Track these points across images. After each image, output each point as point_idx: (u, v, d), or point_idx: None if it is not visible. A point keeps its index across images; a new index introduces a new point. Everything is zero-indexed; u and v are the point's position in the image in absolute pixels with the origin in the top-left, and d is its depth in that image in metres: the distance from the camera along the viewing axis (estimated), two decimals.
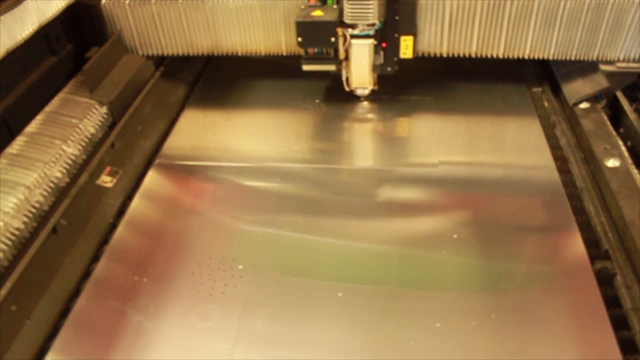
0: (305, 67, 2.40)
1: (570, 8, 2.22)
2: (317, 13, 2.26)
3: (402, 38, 2.34)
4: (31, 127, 2.09)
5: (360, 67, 2.40)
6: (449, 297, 1.70)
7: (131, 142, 2.30)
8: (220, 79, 2.86)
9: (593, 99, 2.35)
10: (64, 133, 2.09)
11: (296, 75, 2.47)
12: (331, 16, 2.24)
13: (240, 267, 1.81)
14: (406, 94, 2.62)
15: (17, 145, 2.00)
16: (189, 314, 1.67)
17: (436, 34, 2.37)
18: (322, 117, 2.55)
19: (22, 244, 1.75)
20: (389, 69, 2.43)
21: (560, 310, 1.64)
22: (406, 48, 2.37)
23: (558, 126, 2.38)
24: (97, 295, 1.74)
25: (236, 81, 2.80)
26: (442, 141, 2.34)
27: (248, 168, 2.25)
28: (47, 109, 2.20)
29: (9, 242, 1.70)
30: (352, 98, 2.60)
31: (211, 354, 1.56)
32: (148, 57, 2.60)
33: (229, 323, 1.64)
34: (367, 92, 2.55)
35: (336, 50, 2.35)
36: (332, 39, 2.28)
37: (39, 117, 2.15)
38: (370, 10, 2.24)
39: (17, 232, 1.73)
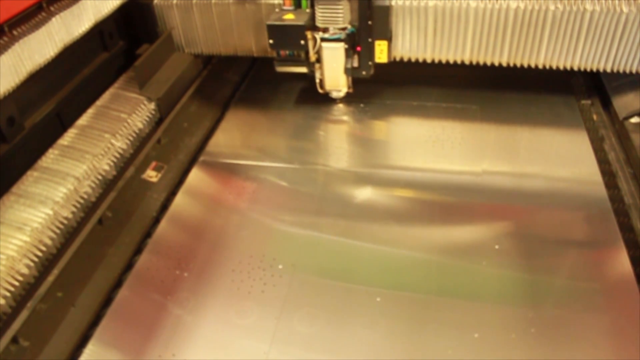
0: (278, 69, 2.44)
1: (600, 18, 2.12)
2: (289, 16, 2.28)
3: (377, 42, 2.34)
4: (82, 120, 2.15)
5: (332, 70, 2.41)
6: (488, 309, 1.68)
7: (177, 139, 2.34)
8: (265, 79, 2.89)
9: None
10: (113, 127, 2.14)
11: None
12: (301, 20, 2.26)
13: (280, 267, 1.82)
14: (452, 102, 2.59)
15: (68, 137, 2.06)
16: (227, 311, 1.69)
17: (418, 39, 2.33)
18: (366, 121, 2.55)
19: (69, 233, 1.80)
20: (363, 72, 2.43)
21: (603, 328, 1.61)
22: (381, 52, 2.36)
23: (607, 140, 2.32)
24: (138, 287, 1.78)
25: (281, 82, 2.82)
26: (486, 150, 2.31)
27: (290, 169, 2.27)
28: (98, 103, 2.26)
29: (58, 231, 1.75)
30: (391, 103, 2.60)
31: (248, 352, 1.58)
32: (196, 56, 2.65)
33: (267, 322, 1.65)
34: (342, 94, 2.56)
35: (307, 53, 2.36)
36: (302, 42, 2.29)
37: (90, 111, 2.20)
38: (340, 15, 2.24)
39: (65, 222, 1.78)
